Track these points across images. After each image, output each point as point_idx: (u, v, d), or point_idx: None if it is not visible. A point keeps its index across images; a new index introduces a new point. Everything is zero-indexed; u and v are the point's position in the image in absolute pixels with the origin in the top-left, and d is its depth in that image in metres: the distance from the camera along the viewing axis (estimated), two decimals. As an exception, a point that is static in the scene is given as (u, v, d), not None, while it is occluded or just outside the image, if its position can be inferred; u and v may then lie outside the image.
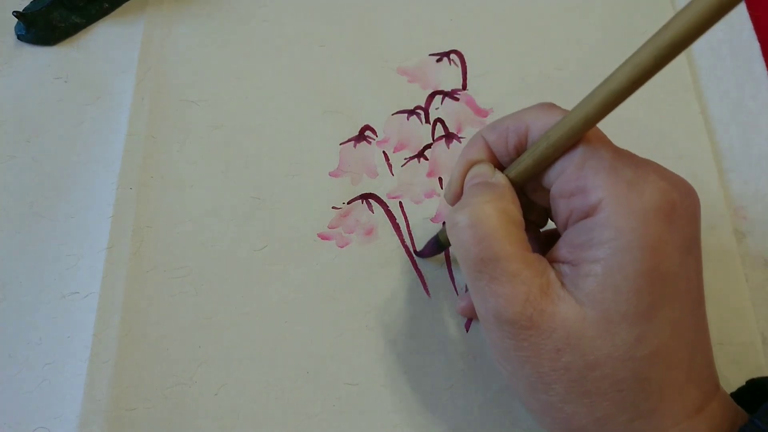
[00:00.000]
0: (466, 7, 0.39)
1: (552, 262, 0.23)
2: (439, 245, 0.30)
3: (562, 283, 0.22)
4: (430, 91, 0.36)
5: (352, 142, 0.35)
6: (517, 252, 0.22)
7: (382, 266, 0.32)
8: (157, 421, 0.29)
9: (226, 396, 0.29)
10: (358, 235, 0.33)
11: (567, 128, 0.21)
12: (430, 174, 0.34)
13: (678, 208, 0.21)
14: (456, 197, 0.26)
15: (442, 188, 0.34)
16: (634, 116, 0.35)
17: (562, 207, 0.23)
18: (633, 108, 0.35)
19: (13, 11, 0.36)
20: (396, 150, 0.35)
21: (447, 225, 0.24)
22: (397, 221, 0.33)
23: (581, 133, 0.21)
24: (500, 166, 0.25)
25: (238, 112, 0.36)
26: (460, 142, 0.35)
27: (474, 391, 0.30)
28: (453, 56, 0.37)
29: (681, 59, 0.37)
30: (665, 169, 0.22)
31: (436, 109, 0.36)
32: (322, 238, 0.33)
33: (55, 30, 0.37)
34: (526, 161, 0.23)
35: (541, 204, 0.26)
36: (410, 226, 0.33)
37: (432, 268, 0.32)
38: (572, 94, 0.36)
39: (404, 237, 0.33)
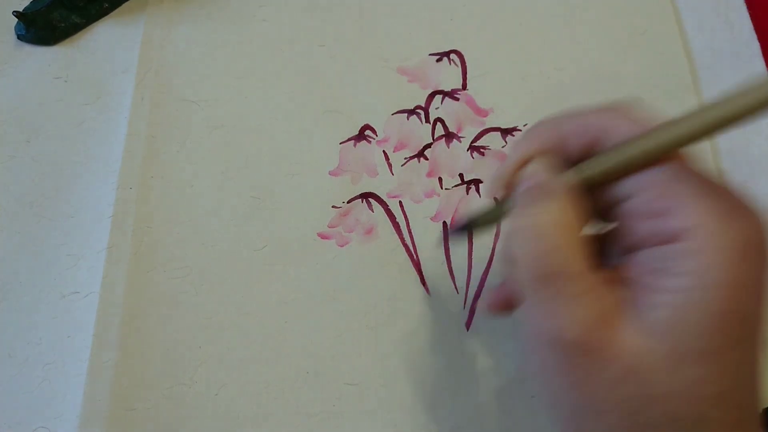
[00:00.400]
0: (466, 7, 0.39)
1: (614, 281, 0.21)
2: (469, 232, 0.28)
3: (627, 309, 0.20)
4: (430, 91, 0.36)
5: (352, 141, 0.35)
6: (582, 271, 0.20)
7: (382, 265, 0.32)
8: (157, 421, 0.29)
9: (226, 396, 0.29)
10: (358, 234, 0.33)
11: (653, 146, 0.20)
12: (430, 174, 0.34)
13: (762, 247, 0.20)
14: (503, 188, 0.24)
15: (441, 188, 0.34)
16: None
17: (637, 226, 0.21)
18: (633, 108, 0.35)
19: (13, 11, 0.36)
20: (396, 149, 0.35)
21: (503, 235, 0.22)
22: (397, 220, 0.33)
23: (668, 153, 0.20)
24: (560, 162, 0.23)
25: (238, 112, 0.36)
26: (460, 141, 0.35)
27: (474, 391, 0.30)
28: (453, 56, 0.37)
29: (681, 59, 0.37)
30: (754, 205, 0.20)
31: (436, 108, 0.36)
32: (322, 238, 0.33)
33: (55, 30, 0.37)
34: (594, 169, 0.22)
35: (596, 207, 0.23)
36: (410, 225, 0.33)
37: (432, 267, 0.32)
38: (572, 94, 0.36)
39: (404, 236, 0.33)
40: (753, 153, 0.35)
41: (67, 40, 0.38)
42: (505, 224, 0.23)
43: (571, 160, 0.22)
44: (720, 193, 0.20)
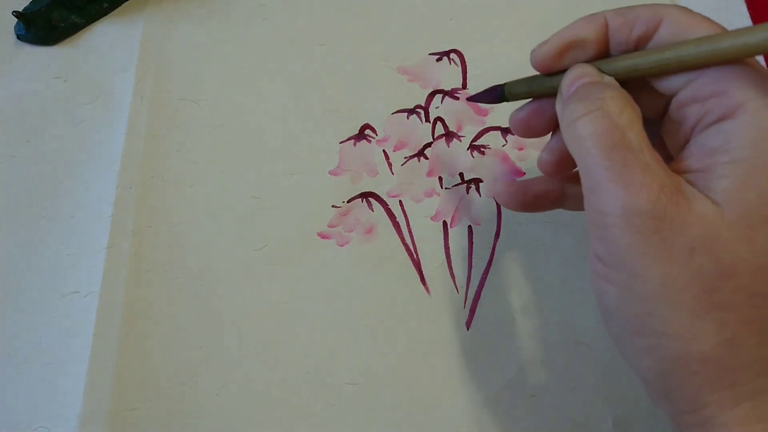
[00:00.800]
0: (466, 7, 0.39)
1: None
2: (500, 98, 0.27)
3: (692, 186, 0.20)
4: (430, 90, 0.36)
5: (352, 140, 0.35)
6: (648, 146, 0.20)
7: (382, 265, 0.32)
8: (158, 421, 0.29)
9: (226, 396, 0.29)
10: (358, 233, 0.33)
11: (707, 53, 0.20)
12: (430, 173, 0.34)
13: None
14: (544, 61, 0.24)
15: (441, 187, 0.34)
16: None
17: (690, 112, 0.21)
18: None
19: (13, 11, 0.36)
20: (396, 149, 0.35)
21: (564, 121, 0.22)
22: (397, 220, 0.33)
23: (722, 62, 0.20)
24: (606, 52, 0.23)
25: (238, 112, 0.36)
26: (460, 141, 0.35)
27: (474, 390, 0.30)
28: (453, 55, 0.37)
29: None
30: None
31: (436, 108, 0.36)
32: (322, 237, 0.33)
33: (55, 30, 0.37)
34: (644, 65, 0.22)
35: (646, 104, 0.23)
36: (410, 224, 0.33)
37: (432, 265, 0.32)
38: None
39: (404, 236, 0.33)
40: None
41: (67, 40, 0.38)
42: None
43: (629, 48, 0.23)
44: None
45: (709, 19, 0.21)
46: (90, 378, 0.29)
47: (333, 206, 0.33)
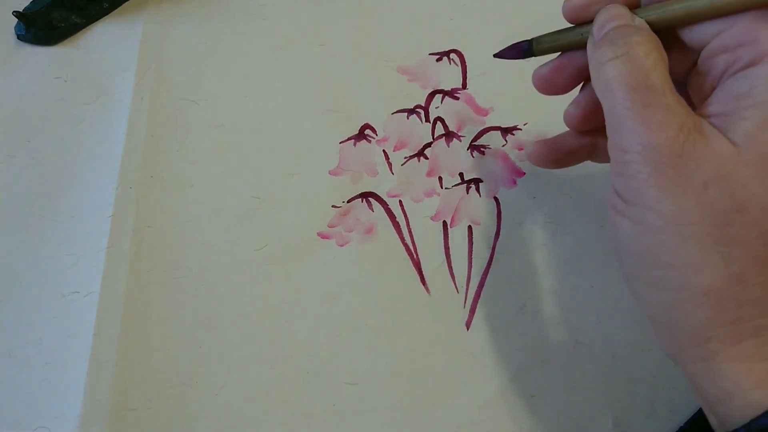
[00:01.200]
0: (466, 7, 0.39)
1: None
2: (529, 53, 0.27)
3: (713, 127, 0.20)
4: (430, 90, 0.36)
5: (352, 140, 0.35)
6: (671, 89, 0.21)
7: (382, 265, 0.32)
8: (158, 421, 0.29)
9: (226, 396, 0.29)
10: (358, 233, 0.33)
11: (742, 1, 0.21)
12: (429, 173, 0.34)
13: None
14: (575, 11, 0.25)
15: (441, 187, 0.34)
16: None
17: (719, 61, 0.22)
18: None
19: (13, 11, 0.36)
20: (396, 149, 0.35)
21: (593, 63, 0.23)
22: (397, 220, 0.33)
23: (756, 6, 0.21)
24: (637, 4, 0.24)
25: (238, 112, 0.36)
26: (460, 141, 0.35)
27: (474, 391, 0.30)
28: (453, 55, 0.37)
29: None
30: None
31: (436, 108, 0.36)
32: (322, 237, 0.33)
33: (55, 30, 0.37)
34: (675, 11, 0.22)
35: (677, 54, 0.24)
36: (410, 224, 0.33)
37: (432, 265, 0.32)
38: (572, 94, 0.36)
39: (404, 236, 0.33)
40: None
41: (67, 40, 0.38)
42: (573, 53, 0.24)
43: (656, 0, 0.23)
44: None
45: None
46: (90, 378, 0.29)
47: (333, 206, 0.33)
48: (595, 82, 0.22)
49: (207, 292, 0.31)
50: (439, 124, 0.35)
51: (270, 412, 0.29)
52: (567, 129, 0.29)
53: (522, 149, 0.35)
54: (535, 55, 0.27)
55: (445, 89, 0.36)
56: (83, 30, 0.38)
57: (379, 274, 0.32)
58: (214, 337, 0.30)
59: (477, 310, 0.31)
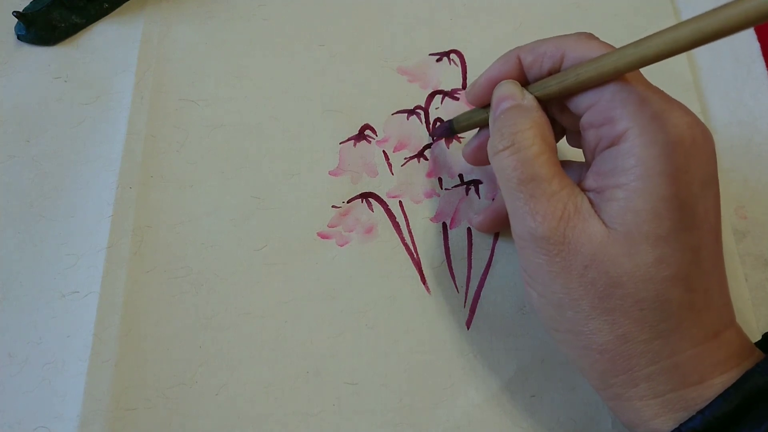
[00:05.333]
0: (466, 7, 0.39)
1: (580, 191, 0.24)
2: (451, 131, 0.32)
3: (591, 208, 0.23)
4: (430, 91, 0.36)
5: (352, 141, 0.35)
6: (555, 174, 0.24)
7: (381, 265, 0.32)
8: (158, 421, 0.29)
9: (226, 396, 0.29)
10: (358, 233, 0.33)
11: (596, 73, 0.23)
12: (429, 174, 0.34)
13: (698, 143, 0.23)
14: (477, 99, 0.28)
15: (441, 188, 0.34)
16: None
17: (591, 136, 0.24)
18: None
19: (13, 11, 0.36)
20: (396, 149, 0.35)
21: (489, 151, 0.25)
22: (397, 220, 0.33)
23: (610, 79, 0.23)
24: (526, 82, 0.27)
25: (238, 112, 0.36)
26: (459, 141, 0.35)
27: (474, 391, 0.30)
28: (453, 56, 0.37)
29: (681, 59, 0.37)
30: (689, 110, 0.23)
31: (436, 108, 0.36)
32: (322, 237, 0.33)
33: (55, 30, 0.37)
34: (552, 87, 0.25)
35: (560, 123, 0.28)
36: (410, 225, 0.33)
37: (432, 265, 0.32)
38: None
39: (404, 236, 0.33)
40: (753, 153, 0.35)
41: (67, 40, 0.38)
42: (487, 130, 0.27)
43: (541, 77, 0.26)
44: (656, 101, 0.23)
45: (606, 44, 0.24)
46: (90, 378, 0.29)
47: (333, 206, 0.33)
48: (492, 165, 0.26)
49: (207, 292, 0.31)
50: (438, 125, 0.35)
51: (270, 412, 0.29)
52: None
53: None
54: (457, 132, 0.32)
55: (445, 90, 0.36)
56: (83, 30, 0.38)
57: (379, 274, 0.32)
58: (213, 337, 0.30)
59: (477, 310, 0.31)
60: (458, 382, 0.30)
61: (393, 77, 0.37)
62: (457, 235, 0.33)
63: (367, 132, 0.35)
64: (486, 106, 0.28)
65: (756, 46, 0.37)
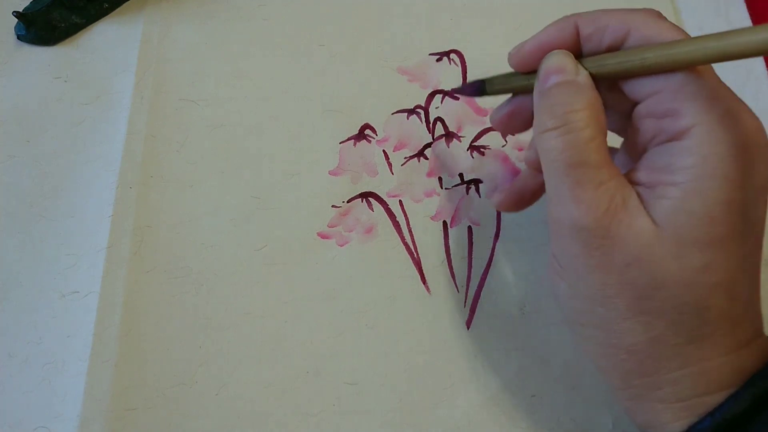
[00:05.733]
0: (466, 7, 0.39)
1: (628, 182, 0.23)
2: (481, 91, 0.28)
3: (639, 202, 0.22)
4: (430, 91, 0.36)
5: (352, 140, 0.35)
6: (605, 162, 0.22)
7: (382, 265, 0.32)
8: (158, 421, 0.29)
9: (226, 396, 0.29)
10: (358, 233, 0.33)
11: (667, 60, 0.21)
12: (430, 173, 0.34)
13: (762, 149, 0.21)
14: (523, 64, 0.25)
15: (441, 188, 0.34)
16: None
17: (647, 126, 0.23)
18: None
19: (13, 11, 0.36)
20: (396, 149, 0.35)
21: (536, 129, 0.23)
22: (397, 220, 0.33)
23: (680, 69, 0.21)
24: (579, 55, 0.24)
25: (238, 112, 0.36)
26: (460, 141, 0.35)
27: (474, 391, 0.30)
28: (453, 55, 0.37)
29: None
30: (753, 113, 0.22)
31: (436, 108, 0.36)
32: (322, 237, 0.33)
33: (55, 30, 0.37)
34: (611, 66, 0.23)
35: (605, 102, 0.24)
36: (410, 224, 0.33)
37: (432, 265, 0.32)
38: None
39: (404, 235, 0.33)
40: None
41: (67, 40, 0.38)
42: (523, 97, 0.25)
43: (597, 52, 0.24)
44: (725, 99, 0.21)
45: (676, 27, 0.23)
46: (90, 378, 0.29)
47: (333, 206, 0.33)
48: (537, 144, 0.24)
49: (207, 292, 0.31)
50: (439, 125, 0.35)
51: (270, 412, 0.29)
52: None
53: (522, 149, 0.35)
54: (488, 94, 0.28)
55: (445, 89, 0.36)
56: (83, 30, 0.38)
57: (379, 274, 0.32)
58: (214, 337, 0.30)
59: (477, 310, 0.31)
60: (458, 382, 0.30)
61: (393, 77, 0.37)
62: (457, 235, 0.33)
63: (367, 132, 0.35)
64: (529, 73, 0.25)
65: (756, 45, 0.37)
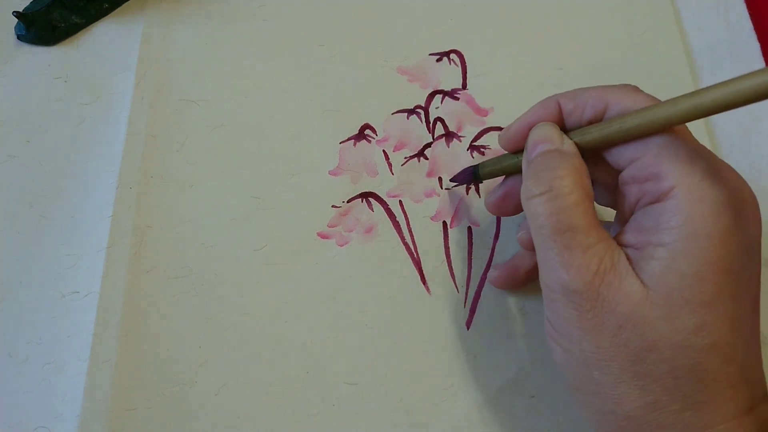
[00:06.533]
0: (466, 7, 0.39)
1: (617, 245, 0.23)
2: (474, 176, 0.30)
3: (628, 264, 0.22)
4: (430, 91, 0.36)
5: (352, 140, 0.35)
6: (592, 225, 0.22)
7: (381, 265, 0.32)
8: (157, 421, 0.29)
9: (226, 396, 0.29)
10: (358, 233, 0.33)
11: (644, 121, 0.22)
12: (430, 173, 0.34)
13: (747, 206, 0.22)
14: (511, 144, 0.27)
15: (441, 187, 0.34)
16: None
17: (632, 191, 0.23)
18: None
19: (13, 11, 0.36)
20: (396, 149, 0.35)
21: (523, 195, 0.24)
22: (397, 220, 0.33)
23: (658, 130, 0.22)
24: (564, 130, 0.25)
25: (238, 112, 0.36)
26: (460, 141, 0.35)
27: (474, 391, 0.30)
28: (453, 56, 0.37)
29: (681, 59, 0.37)
30: (737, 172, 0.23)
31: (436, 108, 0.36)
32: (322, 237, 0.33)
33: (55, 30, 0.37)
34: (593, 135, 0.24)
35: (595, 177, 0.26)
36: (410, 224, 0.33)
37: (432, 265, 0.32)
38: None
39: (404, 235, 0.33)
40: (753, 153, 0.35)
41: (67, 40, 0.38)
42: (515, 177, 0.26)
43: (580, 126, 0.25)
44: (705, 159, 0.22)
45: (652, 97, 0.24)
46: (90, 378, 0.29)
47: (333, 206, 0.33)
48: (525, 210, 0.24)
49: (207, 292, 0.31)
50: (439, 125, 0.35)
51: (270, 412, 0.29)
52: None
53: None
54: (482, 180, 0.30)
55: (445, 89, 0.36)
56: (83, 30, 0.38)
57: (379, 274, 0.32)
58: (214, 337, 0.30)
59: (477, 310, 0.31)
60: (458, 382, 0.30)
61: (393, 77, 0.37)
62: (457, 235, 0.33)
63: (367, 132, 0.35)
64: (517, 152, 0.27)
65: (756, 46, 0.37)
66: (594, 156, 0.25)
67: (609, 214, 0.28)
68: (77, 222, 0.33)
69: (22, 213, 0.33)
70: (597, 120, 0.24)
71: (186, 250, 0.32)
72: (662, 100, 0.23)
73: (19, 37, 0.38)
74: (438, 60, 0.37)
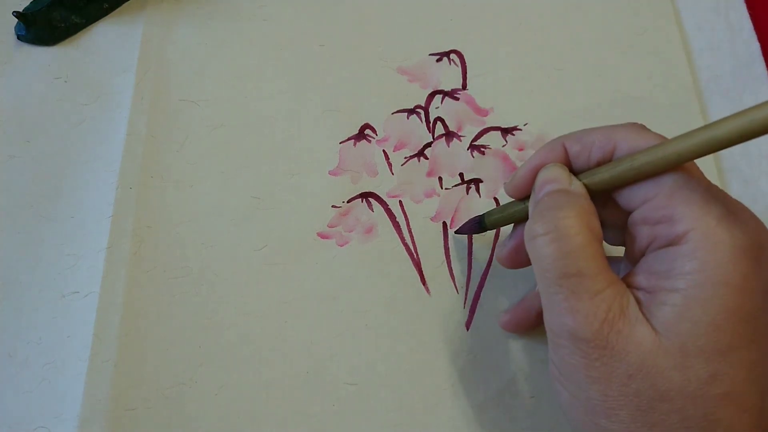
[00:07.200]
0: (466, 7, 0.39)
1: (626, 287, 0.22)
2: (481, 227, 0.30)
3: (639, 310, 0.21)
4: (430, 91, 0.36)
5: (352, 140, 0.35)
6: (601, 269, 0.21)
7: (381, 265, 0.32)
8: (157, 421, 0.29)
9: (226, 396, 0.29)
10: (358, 233, 0.33)
11: (656, 158, 0.21)
12: (430, 173, 0.34)
13: (766, 250, 0.21)
14: (518, 190, 0.26)
15: (441, 187, 0.34)
16: (634, 116, 0.35)
17: (643, 232, 0.23)
18: (633, 108, 0.35)
19: (13, 11, 0.36)
20: (396, 149, 0.35)
21: (526, 236, 0.23)
22: (397, 220, 0.33)
23: (670, 167, 0.21)
24: (573, 173, 0.25)
25: (238, 112, 0.36)
26: (460, 141, 0.35)
27: (474, 391, 0.30)
28: (453, 56, 0.37)
29: (681, 59, 0.37)
30: (753, 213, 0.22)
31: (436, 108, 0.36)
32: (322, 237, 0.33)
33: (55, 30, 0.37)
34: (603, 175, 0.23)
35: (604, 218, 0.25)
36: (410, 225, 0.33)
37: (432, 266, 0.32)
38: (572, 94, 0.36)
39: (404, 236, 0.33)
40: (753, 153, 0.35)
41: (67, 40, 0.38)
42: (524, 226, 0.24)
43: (588, 169, 0.24)
44: (720, 201, 0.21)
45: (660, 135, 0.23)
46: (89, 378, 0.29)
47: (333, 206, 0.33)
48: (529, 252, 0.23)
49: (207, 292, 0.31)
50: (439, 124, 0.35)
51: (270, 412, 0.29)
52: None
53: (522, 149, 0.35)
54: (489, 229, 0.29)
55: (445, 89, 0.36)
56: (83, 30, 0.38)
57: (379, 274, 0.32)
58: (214, 337, 0.30)
59: (477, 310, 0.31)
60: (458, 382, 0.30)
61: (393, 77, 0.37)
62: (457, 236, 0.33)
63: (367, 131, 0.35)
64: (523, 198, 0.27)
65: (756, 46, 0.37)
66: (603, 197, 0.24)
67: (618, 249, 0.28)
68: (77, 222, 0.33)
69: (22, 213, 0.33)
70: (606, 161, 0.24)
71: (186, 250, 0.32)
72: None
73: (19, 37, 0.38)
74: (438, 60, 0.37)
